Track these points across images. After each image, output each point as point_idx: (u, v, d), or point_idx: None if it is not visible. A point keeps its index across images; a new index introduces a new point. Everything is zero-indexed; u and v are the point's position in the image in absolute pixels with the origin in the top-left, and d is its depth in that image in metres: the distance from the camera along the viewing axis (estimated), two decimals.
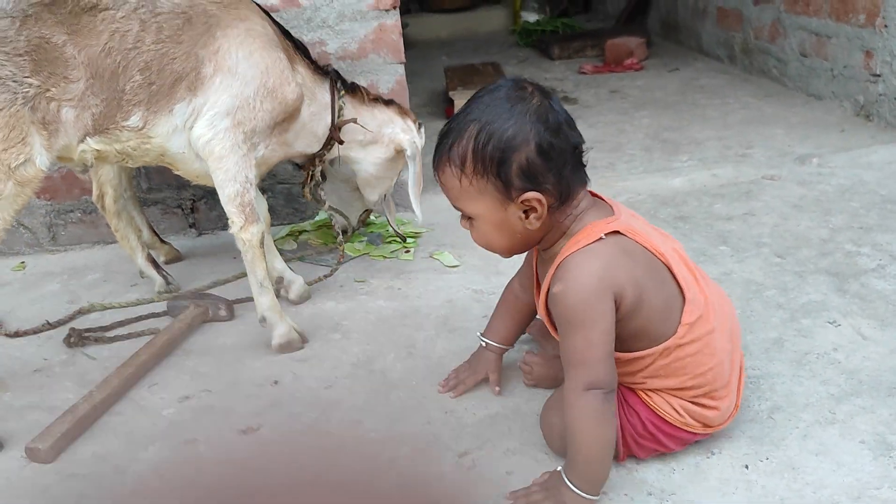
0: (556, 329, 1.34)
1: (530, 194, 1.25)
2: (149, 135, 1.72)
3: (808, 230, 2.25)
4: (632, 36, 4.66)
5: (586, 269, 1.25)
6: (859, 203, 2.40)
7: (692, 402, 1.34)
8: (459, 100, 3.67)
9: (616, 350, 1.28)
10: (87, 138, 1.67)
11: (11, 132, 1.54)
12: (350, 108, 2.02)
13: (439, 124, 3.60)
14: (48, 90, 1.57)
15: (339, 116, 1.99)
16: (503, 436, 1.48)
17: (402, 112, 2.10)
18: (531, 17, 5.91)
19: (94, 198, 2.15)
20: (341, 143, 2.02)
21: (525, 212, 1.28)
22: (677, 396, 1.34)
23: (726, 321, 1.37)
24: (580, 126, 1.35)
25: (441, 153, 1.32)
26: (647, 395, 1.36)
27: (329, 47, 2.44)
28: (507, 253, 1.38)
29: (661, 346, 1.30)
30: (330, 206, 2.17)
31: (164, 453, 1.53)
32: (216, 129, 1.74)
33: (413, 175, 2.06)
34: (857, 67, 3.19)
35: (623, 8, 5.62)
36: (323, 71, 2.00)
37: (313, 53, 2.40)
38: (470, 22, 6.27)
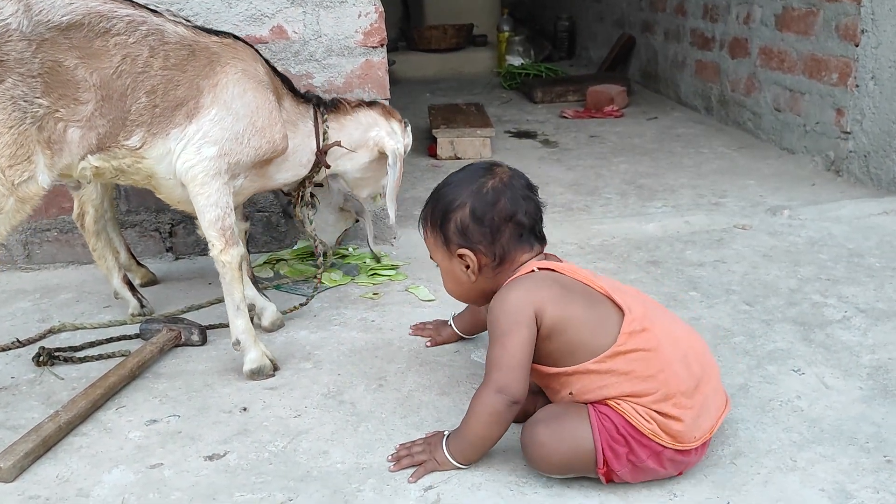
0: None
1: (462, 250, 1.52)
2: (143, 155, 1.76)
3: (777, 280, 2.29)
4: (613, 83, 4.77)
5: (512, 289, 1.46)
6: (827, 255, 2.46)
7: (655, 411, 1.39)
8: (442, 138, 3.73)
9: (562, 366, 1.44)
10: (89, 156, 1.71)
11: (18, 150, 1.57)
12: (335, 125, 2.07)
13: (422, 161, 3.71)
14: (57, 111, 1.61)
15: (324, 140, 2.04)
16: (468, 470, 1.48)
17: (387, 113, 2.14)
18: (516, 60, 6.01)
19: (74, 216, 2.15)
20: (328, 167, 2.08)
21: (466, 266, 1.53)
22: (640, 404, 1.40)
23: (682, 343, 1.46)
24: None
25: (422, 212, 1.61)
26: (616, 403, 1.41)
27: (315, 80, 2.48)
28: (465, 300, 1.65)
29: (602, 355, 1.41)
30: (312, 232, 2.21)
31: (128, 477, 1.51)
32: (201, 155, 1.78)
33: (392, 181, 2.10)
34: (829, 124, 3.28)
35: (605, 56, 5.75)
36: (305, 99, 2.05)
37: (299, 86, 2.44)
38: (456, 62, 6.37)
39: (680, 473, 1.45)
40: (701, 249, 2.54)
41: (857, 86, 3.09)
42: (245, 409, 1.73)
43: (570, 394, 1.45)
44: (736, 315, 2.08)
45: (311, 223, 2.19)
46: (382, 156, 2.12)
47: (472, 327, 1.96)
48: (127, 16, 1.68)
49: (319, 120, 2.04)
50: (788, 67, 3.57)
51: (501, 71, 5.89)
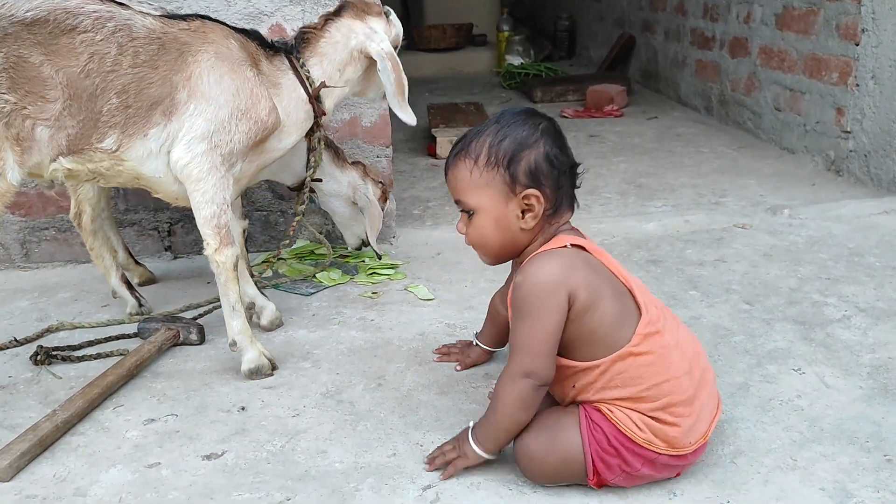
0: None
1: (532, 191, 1.40)
2: (122, 157, 1.72)
3: (777, 279, 2.29)
4: (613, 83, 4.76)
5: (546, 266, 1.38)
6: (827, 255, 2.45)
7: (651, 417, 1.37)
8: (442, 137, 3.72)
9: (577, 359, 1.39)
10: (60, 157, 1.67)
11: None
12: (313, 60, 1.94)
13: (421, 160, 3.70)
14: (24, 108, 1.58)
15: (310, 85, 1.93)
16: (467, 470, 1.47)
17: (360, 12, 1.96)
18: (516, 60, 6.00)
19: (71, 215, 2.14)
20: (325, 114, 1.98)
21: (522, 211, 1.42)
22: (636, 410, 1.37)
23: (688, 350, 1.43)
24: None
25: (458, 149, 1.47)
26: (609, 410, 1.38)
27: None
28: (495, 254, 1.50)
29: (615, 354, 1.37)
30: (307, 226, 2.21)
31: (126, 476, 1.51)
32: (193, 152, 1.74)
33: (390, 84, 1.95)
34: (829, 123, 3.28)
35: (605, 56, 5.74)
36: (276, 50, 1.92)
37: None
38: (455, 62, 6.36)
39: (677, 475, 1.44)
40: (701, 249, 2.53)
41: (858, 85, 3.08)
42: (243, 409, 1.72)
43: (573, 386, 1.42)
44: (736, 314, 2.08)
45: (303, 214, 2.17)
46: (372, 62, 1.97)
47: (499, 339, 1.85)
48: (94, 12, 1.63)
49: (297, 66, 1.92)
50: (789, 67, 3.56)
51: (501, 70, 5.89)
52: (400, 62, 1.98)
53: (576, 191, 1.48)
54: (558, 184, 1.42)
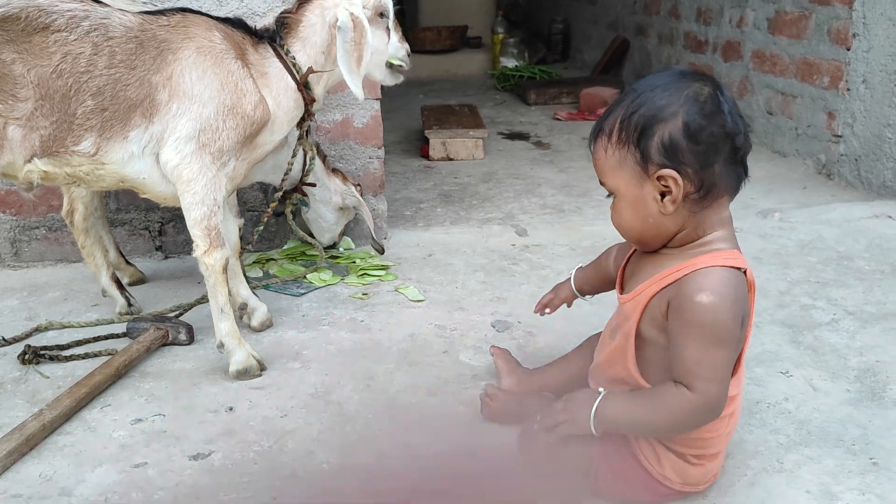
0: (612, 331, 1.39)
1: (666, 171, 1.22)
2: (102, 161, 1.69)
3: (767, 282, 2.29)
4: (606, 86, 4.77)
5: (738, 288, 1.24)
6: (817, 258, 2.46)
7: (677, 455, 1.34)
8: (435, 139, 3.72)
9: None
10: (35, 159, 1.64)
11: None
12: (297, 46, 1.88)
13: (414, 162, 3.70)
14: None
15: (297, 72, 1.88)
16: None
17: None
18: (510, 62, 6.01)
19: (63, 213, 2.14)
20: (314, 101, 1.93)
21: (661, 194, 1.25)
22: (667, 447, 1.34)
23: (739, 410, 1.41)
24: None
25: (597, 124, 1.32)
26: (634, 437, 1.35)
27: None
28: (638, 240, 1.34)
29: None
30: (297, 224, 2.24)
31: (112, 476, 1.50)
32: (182, 153, 1.72)
33: (344, 41, 1.83)
34: (821, 127, 3.29)
35: (599, 59, 5.75)
36: (261, 38, 1.89)
37: None
38: (450, 64, 6.37)
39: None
40: None
41: (849, 89, 3.09)
42: (231, 409, 1.72)
43: None
44: None
45: (294, 218, 2.20)
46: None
47: (592, 289, 1.69)
48: (68, 11, 1.59)
49: (282, 54, 1.87)
50: (781, 71, 3.58)
51: (495, 73, 5.89)
52: (369, 30, 1.84)
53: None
54: (705, 162, 1.22)
